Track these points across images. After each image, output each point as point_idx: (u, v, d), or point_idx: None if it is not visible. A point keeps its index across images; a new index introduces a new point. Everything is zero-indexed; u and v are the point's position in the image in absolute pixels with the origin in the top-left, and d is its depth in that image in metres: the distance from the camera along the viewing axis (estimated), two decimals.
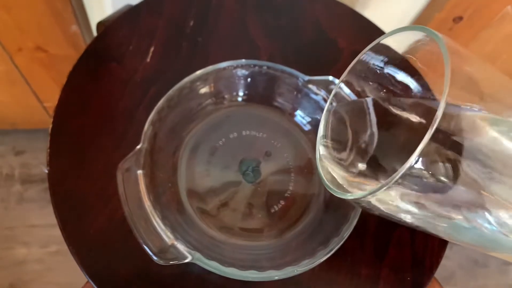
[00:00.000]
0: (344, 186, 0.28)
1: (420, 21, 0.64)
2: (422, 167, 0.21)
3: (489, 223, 0.24)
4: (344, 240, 0.31)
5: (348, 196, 0.25)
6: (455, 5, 0.59)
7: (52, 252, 0.81)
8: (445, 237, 0.27)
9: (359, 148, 0.32)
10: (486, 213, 0.24)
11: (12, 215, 0.84)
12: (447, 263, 0.92)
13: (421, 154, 0.21)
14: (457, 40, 0.67)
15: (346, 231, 0.31)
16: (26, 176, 0.87)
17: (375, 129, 0.31)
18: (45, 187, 0.86)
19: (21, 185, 0.86)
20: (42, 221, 0.84)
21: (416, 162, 0.21)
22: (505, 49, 0.67)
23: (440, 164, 0.22)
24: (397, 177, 0.21)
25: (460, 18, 0.60)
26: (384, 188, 0.22)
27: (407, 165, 0.21)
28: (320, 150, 0.30)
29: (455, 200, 0.23)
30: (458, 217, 0.24)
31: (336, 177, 0.30)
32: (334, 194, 0.27)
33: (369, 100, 0.31)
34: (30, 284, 0.79)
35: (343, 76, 0.30)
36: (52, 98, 0.74)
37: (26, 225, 0.83)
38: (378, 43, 0.27)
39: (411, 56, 0.28)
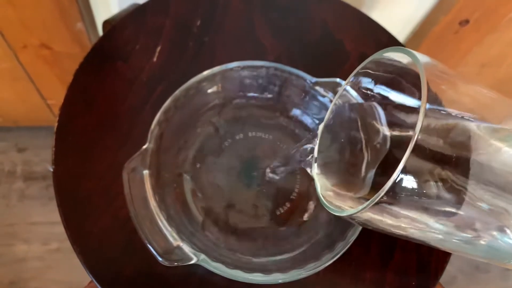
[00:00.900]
0: (337, 202, 0.28)
1: (426, 24, 0.64)
2: (415, 187, 0.21)
3: (510, 238, 0.23)
4: (349, 244, 0.31)
5: (342, 213, 0.24)
6: (461, 8, 0.58)
7: (53, 249, 0.81)
8: (451, 252, 0.27)
9: (363, 162, 0.32)
10: (507, 230, 0.23)
11: (13, 212, 0.83)
12: (448, 268, 0.91)
13: (407, 173, 0.20)
14: (462, 44, 0.66)
15: (352, 236, 0.31)
16: (28, 173, 0.87)
17: (387, 136, 0.31)
18: (47, 185, 0.86)
19: (23, 182, 0.86)
20: (43, 219, 0.83)
21: (399, 181, 0.20)
22: (511, 53, 0.67)
23: (432, 183, 0.21)
24: (382, 194, 0.20)
25: (467, 21, 0.60)
26: (370, 205, 0.21)
27: (390, 183, 0.20)
28: (318, 162, 0.30)
29: (465, 220, 0.23)
30: (471, 235, 0.24)
31: (334, 193, 0.29)
32: (329, 210, 0.26)
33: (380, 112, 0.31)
34: (30, 281, 0.79)
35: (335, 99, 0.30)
36: (55, 95, 0.74)
37: (27, 222, 0.83)
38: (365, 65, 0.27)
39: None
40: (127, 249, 0.32)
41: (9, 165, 0.87)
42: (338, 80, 0.35)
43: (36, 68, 0.66)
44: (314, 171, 0.30)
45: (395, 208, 0.22)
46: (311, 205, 0.35)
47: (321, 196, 0.28)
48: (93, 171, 0.34)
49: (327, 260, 0.30)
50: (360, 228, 0.32)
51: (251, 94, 0.38)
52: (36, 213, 0.83)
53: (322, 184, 0.29)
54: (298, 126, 0.38)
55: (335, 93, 0.35)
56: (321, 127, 0.31)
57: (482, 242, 0.24)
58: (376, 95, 0.29)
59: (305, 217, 0.35)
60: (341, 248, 0.31)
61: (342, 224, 0.33)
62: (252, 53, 0.41)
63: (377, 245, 0.35)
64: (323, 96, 0.36)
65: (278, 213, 0.34)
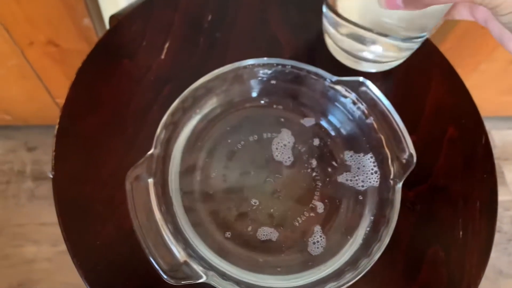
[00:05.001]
0: None
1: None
2: None
3: None
4: (374, 261, 0.28)
5: None
6: None
7: (62, 251, 0.80)
8: None
9: None
10: None
11: (23, 212, 0.82)
12: None
13: None
14: (490, 39, 0.63)
15: (377, 251, 0.28)
16: (37, 173, 0.85)
17: None
18: None
19: (32, 181, 0.85)
20: (53, 219, 0.81)
21: None
22: None
23: None
24: None
25: None
26: None
27: None
28: None
29: None
30: None
31: None
32: None
33: None
34: (39, 283, 0.77)
35: None
36: (64, 94, 0.72)
37: (36, 223, 0.81)
38: None
39: None
40: (131, 263, 0.29)
41: (18, 164, 0.86)
42: (361, 79, 0.32)
43: (44, 65, 0.64)
44: None
45: None
46: (334, 214, 0.32)
47: None
48: (96, 178, 0.32)
49: (349, 279, 0.27)
50: (387, 242, 0.29)
51: (265, 93, 0.35)
52: (45, 214, 0.82)
53: None
54: (317, 128, 0.35)
55: (357, 93, 0.32)
56: None
57: None
58: None
59: (325, 229, 0.32)
60: (365, 266, 0.28)
61: (367, 236, 0.30)
62: (267, 50, 0.39)
63: (404, 259, 0.32)
64: (345, 97, 0.33)
65: (296, 223, 0.32)
